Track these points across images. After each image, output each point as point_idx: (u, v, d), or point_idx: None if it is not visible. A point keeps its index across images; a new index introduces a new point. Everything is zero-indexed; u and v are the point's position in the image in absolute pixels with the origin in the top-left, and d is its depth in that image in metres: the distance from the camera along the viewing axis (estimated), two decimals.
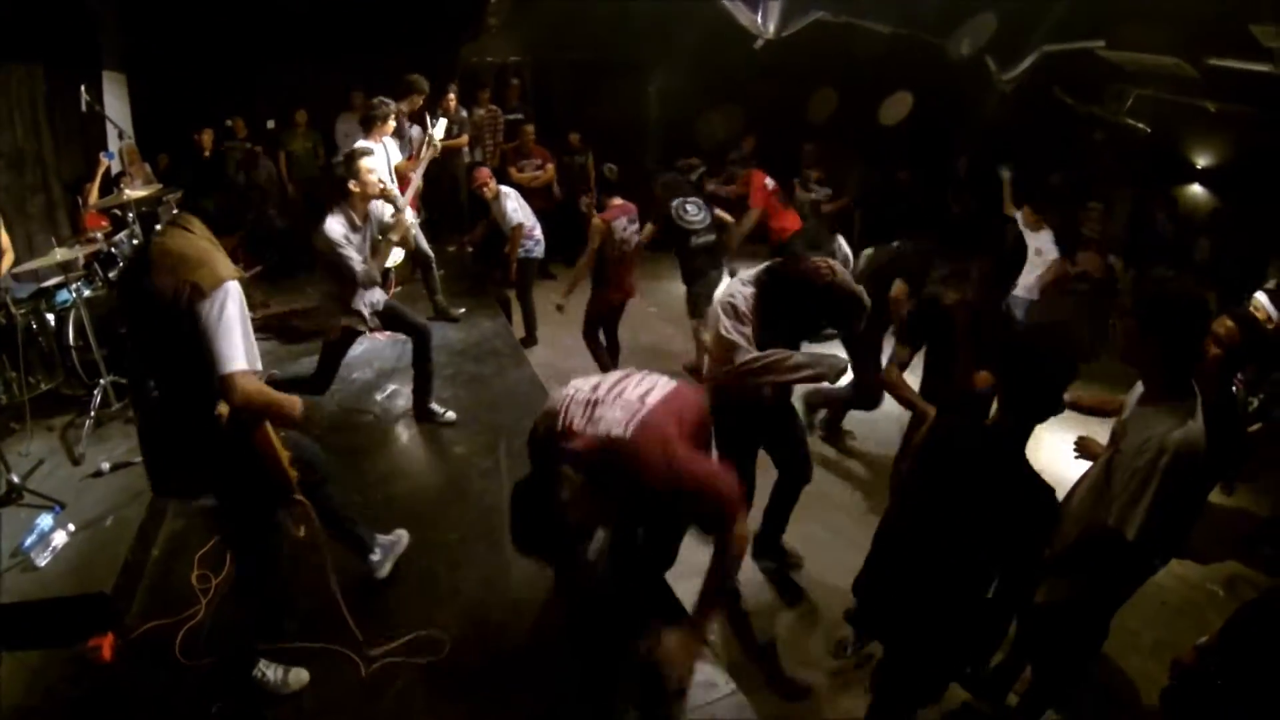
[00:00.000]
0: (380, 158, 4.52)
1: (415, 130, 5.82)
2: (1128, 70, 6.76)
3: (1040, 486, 1.95)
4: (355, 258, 3.73)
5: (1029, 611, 2.41)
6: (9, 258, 4.17)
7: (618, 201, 5.07)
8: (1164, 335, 2.01)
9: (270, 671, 2.49)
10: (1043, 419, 1.99)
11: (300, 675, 2.54)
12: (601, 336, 5.42)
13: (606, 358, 5.37)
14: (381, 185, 3.86)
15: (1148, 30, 5.75)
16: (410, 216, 4.28)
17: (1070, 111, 7.99)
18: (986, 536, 1.95)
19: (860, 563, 2.44)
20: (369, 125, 4.86)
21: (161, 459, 2.28)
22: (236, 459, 2.14)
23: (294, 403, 2.19)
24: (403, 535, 3.10)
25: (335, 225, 3.69)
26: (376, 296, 3.99)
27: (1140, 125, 7.97)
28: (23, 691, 2.58)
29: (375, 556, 2.94)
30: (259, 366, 2.07)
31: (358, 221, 3.77)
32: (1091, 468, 2.34)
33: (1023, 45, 6.85)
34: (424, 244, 5.38)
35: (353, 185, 3.66)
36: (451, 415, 4.29)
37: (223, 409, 2.00)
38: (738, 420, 2.96)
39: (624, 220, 5.00)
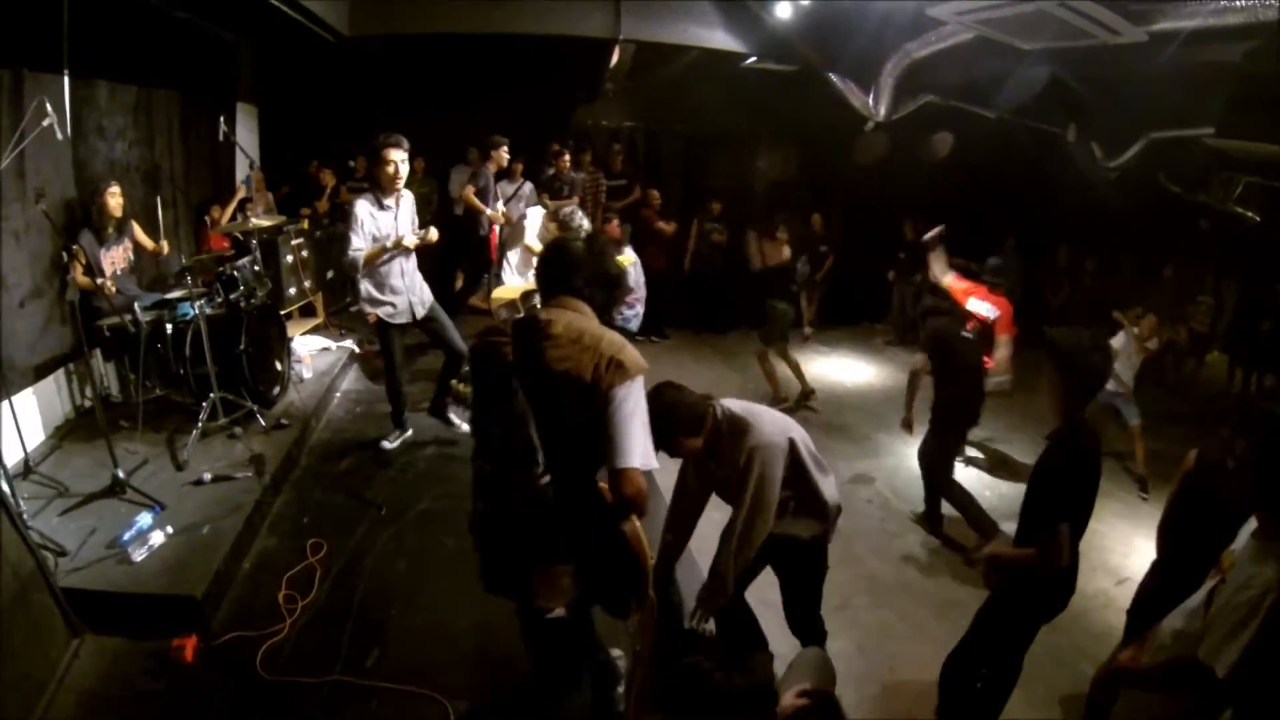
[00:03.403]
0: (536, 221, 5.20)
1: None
2: (1236, 158, 6.51)
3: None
4: (355, 241, 3.86)
5: None
6: (161, 246, 4.76)
7: None
8: None
9: None
10: None
11: None
12: None
13: None
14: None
15: (1257, 118, 5.57)
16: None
17: (1177, 199, 7.70)
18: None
19: (930, 653, 2.69)
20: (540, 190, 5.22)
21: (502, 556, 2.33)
22: (604, 540, 2.08)
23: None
24: None
25: (360, 204, 3.86)
26: (420, 296, 4.18)
27: (1250, 214, 7.62)
28: (101, 676, 2.68)
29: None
30: (654, 464, 1.97)
31: (385, 201, 3.89)
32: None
33: (1130, 133, 6.69)
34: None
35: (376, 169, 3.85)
36: (465, 428, 4.40)
37: (603, 486, 2.01)
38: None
39: None
